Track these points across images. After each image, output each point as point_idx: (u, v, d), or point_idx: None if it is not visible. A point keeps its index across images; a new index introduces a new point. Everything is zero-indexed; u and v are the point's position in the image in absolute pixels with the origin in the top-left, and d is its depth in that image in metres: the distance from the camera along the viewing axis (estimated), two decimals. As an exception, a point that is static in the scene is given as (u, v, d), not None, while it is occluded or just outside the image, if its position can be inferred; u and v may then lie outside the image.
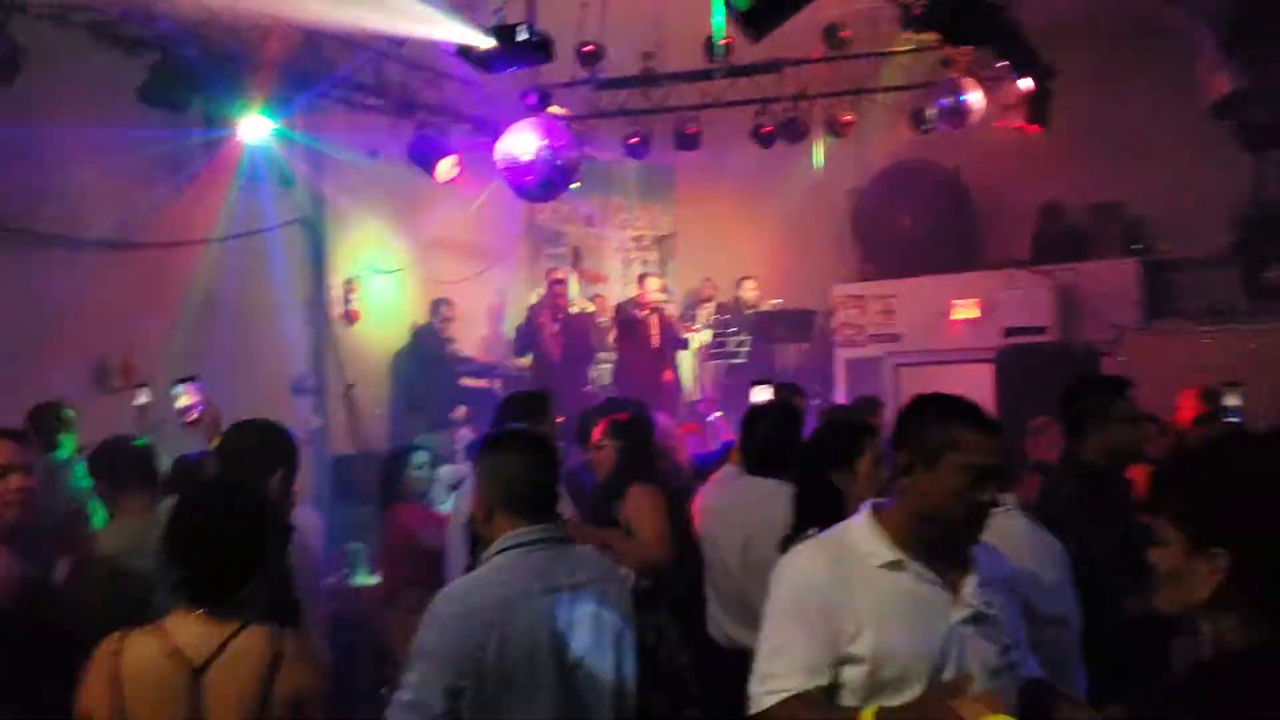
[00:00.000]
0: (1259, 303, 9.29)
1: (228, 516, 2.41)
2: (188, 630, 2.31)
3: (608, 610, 2.63)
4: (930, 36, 7.17)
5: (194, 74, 7.11)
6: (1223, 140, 8.66)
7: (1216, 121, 8.39)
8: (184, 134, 7.99)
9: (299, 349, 9.19)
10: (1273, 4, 5.79)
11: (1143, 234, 9.99)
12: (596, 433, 4.30)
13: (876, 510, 2.40)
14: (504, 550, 2.56)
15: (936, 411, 2.35)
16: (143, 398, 5.49)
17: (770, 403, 4.34)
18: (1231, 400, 4.68)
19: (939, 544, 2.32)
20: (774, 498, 3.62)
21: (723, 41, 8.14)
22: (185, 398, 3.97)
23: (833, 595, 2.28)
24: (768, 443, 3.95)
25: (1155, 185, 9.71)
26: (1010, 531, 2.85)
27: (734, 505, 3.96)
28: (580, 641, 2.56)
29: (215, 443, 3.74)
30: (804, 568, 2.39)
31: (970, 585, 2.32)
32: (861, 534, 2.36)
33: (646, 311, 9.86)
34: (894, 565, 2.29)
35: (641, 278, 10.41)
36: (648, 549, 3.95)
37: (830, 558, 2.36)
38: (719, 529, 3.98)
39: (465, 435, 8.14)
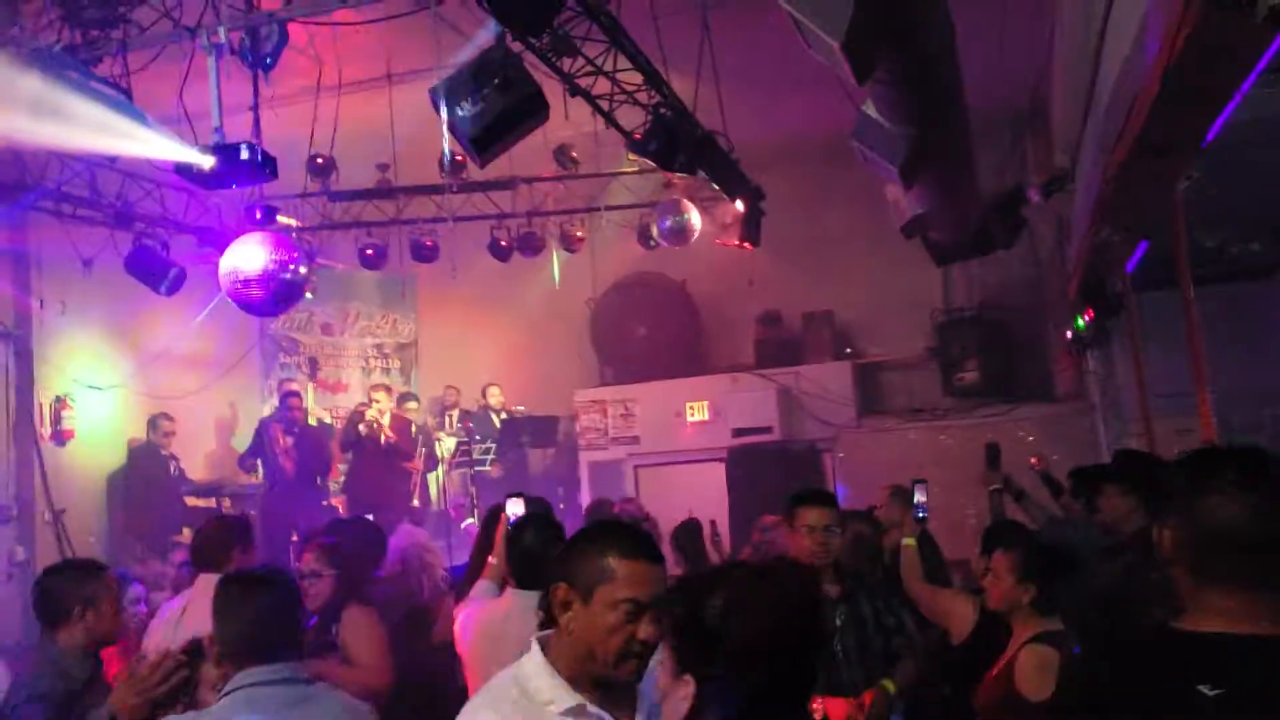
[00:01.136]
0: (953, 401, 10.25)
1: None
2: None
3: None
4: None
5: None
6: (916, 254, 9.60)
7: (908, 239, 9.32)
8: None
9: (2, 473, 8.48)
10: (938, 143, 6.54)
11: (852, 339, 10.86)
12: (306, 559, 4.14)
13: (546, 646, 2.23)
14: (236, 690, 2.50)
15: (593, 541, 2.24)
16: None
17: (532, 514, 4.33)
18: (917, 497, 5.10)
19: (602, 683, 2.17)
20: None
21: (456, 159, 8.33)
22: None
23: None
24: (533, 555, 3.84)
25: (860, 295, 10.63)
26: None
27: (500, 622, 3.77)
28: None
29: None
30: None
31: None
32: (537, 676, 2.19)
33: (376, 423, 9.80)
34: (575, 712, 2.15)
35: (372, 390, 10.35)
36: (367, 676, 3.85)
37: (509, 709, 2.18)
38: (486, 648, 3.75)
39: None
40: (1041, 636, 3.27)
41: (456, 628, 4.03)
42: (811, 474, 9.77)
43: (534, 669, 2.21)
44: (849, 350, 10.71)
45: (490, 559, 4.28)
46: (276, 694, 2.49)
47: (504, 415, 11.04)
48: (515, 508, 4.78)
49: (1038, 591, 3.35)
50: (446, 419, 11.19)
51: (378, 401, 9.98)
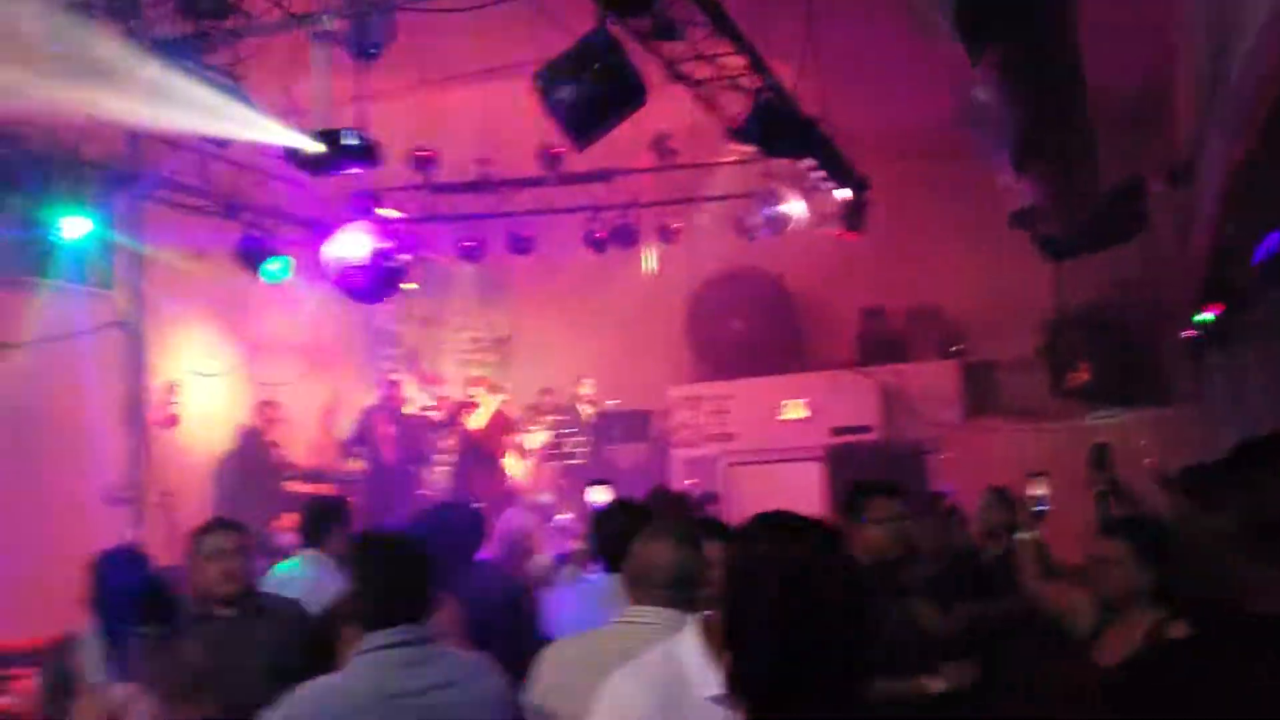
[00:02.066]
0: (1064, 403, 9.89)
1: None
2: None
3: (468, 711, 2.64)
4: (752, 148, 7.50)
5: (9, 172, 6.86)
6: (1028, 248, 9.28)
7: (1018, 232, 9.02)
8: (-5, 233, 7.67)
9: (114, 457, 8.75)
10: (1054, 129, 6.30)
11: (959, 337, 10.55)
12: None
13: (707, 627, 2.15)
14: (362, 654, 2.60)
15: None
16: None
17: (617, 501, 4.35)
18: (1038, 490, 4.94)
19: None
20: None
21: (554, 150, 8.33)
22: None
23: None
24: (617, 540, 3.84)
25: (969, 290, 10.32)
26: None
27: (584, 606, 3.86)
28: None
29: None
30: (625, 699, 2.14)
31: None
32: (691, 656, 2.12)
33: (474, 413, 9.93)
34: (722, 700, 1.99)
35: (472, 384, 10.45)
36: None
37: (656, 684, 2.12)
38: (570, 631, 3.90)
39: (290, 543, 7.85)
40: (1167, 621, 3.21)
41: (545, 609, 4.17)
42: (913, 476, 9.49)
43: (689, 648, 2.14)
44: (956, 348, 10.41)
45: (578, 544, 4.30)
46: (393, 657, 2.58)
47: (595, 410, 11.01)
48: (599, 495, 4.80)
49: (1157, 579, 3.29)
50: (540, 412, 11.21)
51: (476, 396, 10.11)
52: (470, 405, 10.21)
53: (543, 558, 5.41)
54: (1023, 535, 4.47)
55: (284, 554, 6.26)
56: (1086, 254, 8.87)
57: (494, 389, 10.66)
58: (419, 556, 2.75)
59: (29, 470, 7.36)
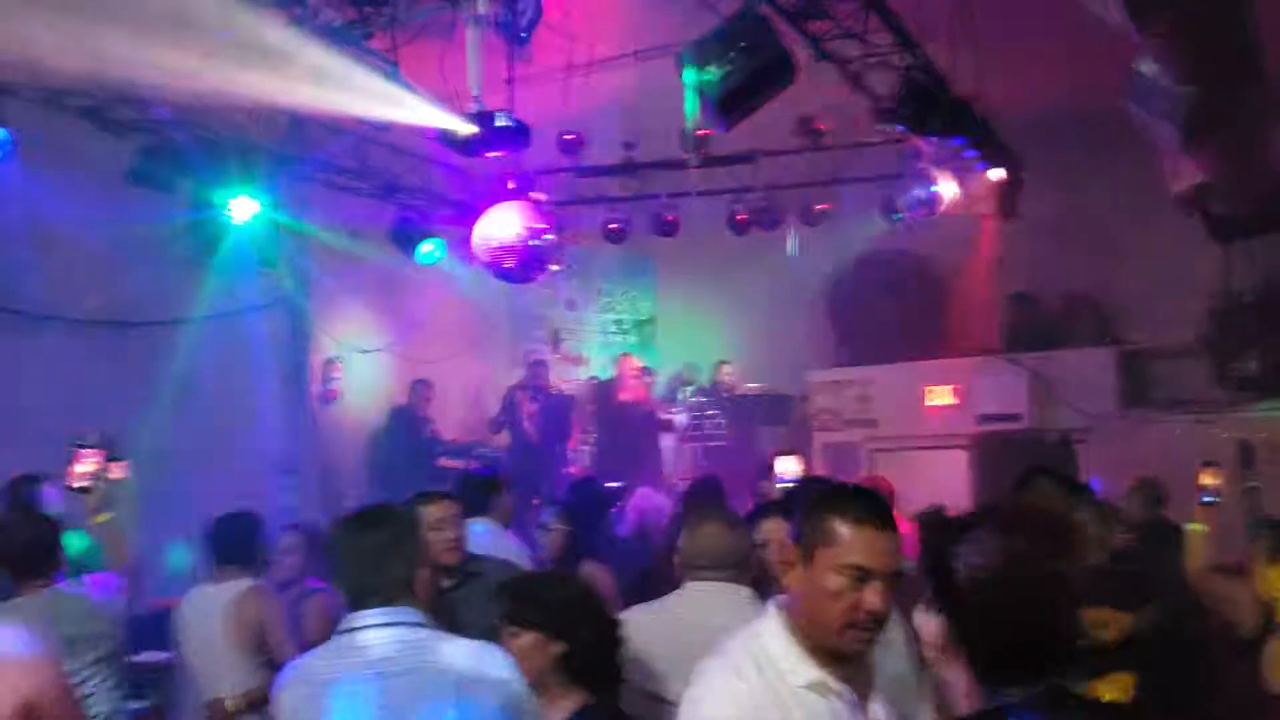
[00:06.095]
0: (1229, 394, 9.39)
1: None
2: None
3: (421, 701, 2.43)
4: (901, 128, 7.36)
5: (182, 156, 7.27)
6: (1193, 231, 8.84)
7: (1185, 213, 8.60)
8: (169, 215, 8.13)
9: (278, 428, 9.19)
10: (1228, 101, 5.99)
11: (1115, 324, 10.14)
12: (546, 515, 4.35)
13: (782, 609, 2.12)
14: (340, 633, 2.51)
15: (819, 501, 2.10)
16: (117, 473, 5.47)
17: (812, 478, 4.36)
18: (1210, 480, 4.77)
19: (833, 654, 2.05)
20: None
21: (699, 132, 8.35)
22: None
23: (769, 716, 2.03)
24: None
25: (1126, 276, 9.90)
26: None
27: None
28: None
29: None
30: (735, 687, 2.07)
31: (878, 702, 2.12)
32: (777, 643, 2.07)
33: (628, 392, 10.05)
34: (817, 688, 2.04)
35: (622, 357, 10.57)
36: None
37: (756, 673, 2.06)
38: None
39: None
40: None
41: None
42: (1063, 466, 9.18)
43: (774, 636, 2.10)
44: (1111, 336, 10.01)
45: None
46: (368, 637, 2.44)
47: (735, 393, 11.01)
48: (785, 465, 4.69)
49: None
50: (681, 394, 11.27)
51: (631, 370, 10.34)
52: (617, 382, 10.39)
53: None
54: (1193, 526, 4.35)
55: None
56: (1259, 235, 8.40)
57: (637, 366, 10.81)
58: (392, 535, 2.56)
59: (199, 439, 7.80)
